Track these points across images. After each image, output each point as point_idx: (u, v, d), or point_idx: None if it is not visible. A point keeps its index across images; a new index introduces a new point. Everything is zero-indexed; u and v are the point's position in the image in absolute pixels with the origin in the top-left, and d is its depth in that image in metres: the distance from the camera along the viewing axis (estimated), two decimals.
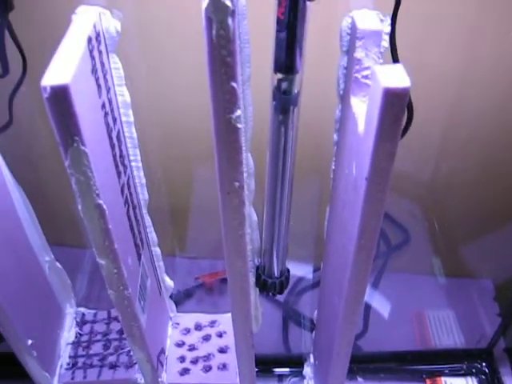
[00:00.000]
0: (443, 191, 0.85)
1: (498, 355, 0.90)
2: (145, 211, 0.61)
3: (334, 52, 0.44)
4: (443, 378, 0.88)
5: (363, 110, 0.38)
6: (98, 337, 0.73)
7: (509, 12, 0.63)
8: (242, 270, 0.48)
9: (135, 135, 0.54)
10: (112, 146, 0.47)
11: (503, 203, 0.83)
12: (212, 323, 0.75)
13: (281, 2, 0.37)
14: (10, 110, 0.58)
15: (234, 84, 0.34)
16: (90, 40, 0.40)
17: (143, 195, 0.59)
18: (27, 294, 0.61)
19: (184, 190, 0.86)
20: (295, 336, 0.91)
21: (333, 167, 0.51)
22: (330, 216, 0.55)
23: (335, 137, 0.49)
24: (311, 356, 0.76)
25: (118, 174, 0.49)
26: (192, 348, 0.72)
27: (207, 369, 0.70)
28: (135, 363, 0.68)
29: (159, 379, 0.66)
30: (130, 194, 0.54)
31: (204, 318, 0.75)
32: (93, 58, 0.41)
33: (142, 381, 0.67)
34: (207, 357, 0.71)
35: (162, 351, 0.69)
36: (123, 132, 0.52)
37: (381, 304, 0.91)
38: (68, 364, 0.70)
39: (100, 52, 0.43)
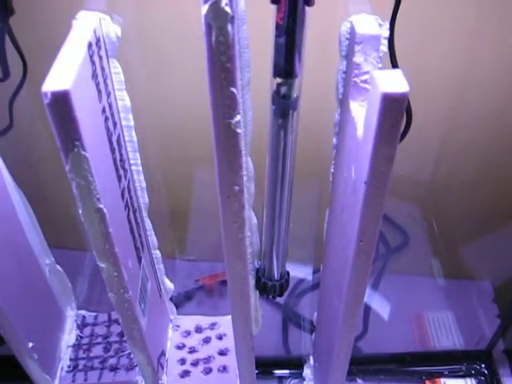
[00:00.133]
0: (442, 193, 0.85)
1: (497, 357, 0.90)
2: (145, 214, 0.61)
3: (332, 56, 0.44)
4: (442, 380, 0.88)
5: (362, 115, 0.39)
6: (99, 339, 0.73)
7: (508, 15, 0.63)
8: (242, 273, 0.48)
9: (135, 139, 0.54)
10: (112, 150, 0.47)
11: (502, 205, 0.83)
12: (212, 325, 0.75)
13: (280, 7, 0.37)
14: (10, 114, 0.59)
15: (234, 89, 0.34)
16: (90, 45, 0.40)
17: (143, 199, 0.59)
18: (28, 297, 0.61)
19: (184, 193, 0.86)
20: (295, 338, 0.91)
21: (332, 170, 0.52)
22: (330, 219, 0.55)
23: (334, 140, 0.49)
24: (311, 358, 0.76)
25: (119, 177, 0.49)
26: (192, 350, 0.72)
27: (207, 371, 0.70)
28: (136, 365, 0.68)
29: (160, 381, 0.66)
30: (131, 197, 0.54)
31: (204, 321, 0.76)
32: (93, 63, 0.41)
33: (143, 383, 0.67)
34: (207, 359, 0.71)
35: (163, 353, 0.70)
36: (123, 136, 0.52)
37: (380, 306, 0.91)
38: (69, 366, 0.70)
39: (100, 57, 0.43)
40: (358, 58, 0.40)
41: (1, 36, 0.53)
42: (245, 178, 0.41)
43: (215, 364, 0.71)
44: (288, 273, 0.58)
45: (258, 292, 0.58)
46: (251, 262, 0.54)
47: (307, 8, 0.37)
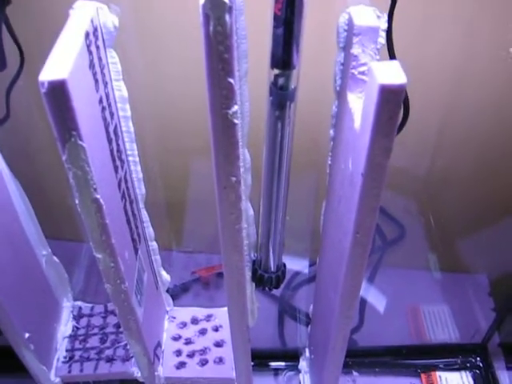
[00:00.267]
0: (439, 187, 0.85)
1: (492, 350, 0.90)
2: (142, 206, 0.61)
3: (330, 48, 0.44)
4: (438, 373, 0.89)
5: (359, 106, 0.39)
6: (95, 330, 0.73)
7: (506, 9, 0.63)
8: (239, 265, 0.48)
9: (132, 130, 0.54)
10: (109, 141, 0.47)
11: (498, 199, 0.83)
12: (208, 317, 0.75)
13: None
14: (7, 104, 0.58)
15: (231, 80, 0.34)
16: (87, 35, 0.40)
17: (140, 190, 0.59)
18: (24, 288, 0.61)
19: (181, 185, 0.86)
20: (291, 330, 0.92)
21: (329, 162, 0.52)
22: (326, 211, 0.55)
23: (332, 132, 0.49)
24: (307, 350, 0.77)
25: (115, 168, 0.49)
26: (188, 342, 0.72)
27: (203, 362, 0.70)
28: (132, 357, 0.68)
29: (156, 373, 0.67)
30: (127, 188, 0.54)
31: (200, 312, 0.76)
32: (90, 52, 0.41)
33: (139, 374, 0.67)
34: (203, 350, 0.71)
35: (159, 345, 0.70)
36: (120, 126, 0.52)
37: (376, 298, 0.91)
38: (65, 357, 0.70)
39: (97, 47, 0.43)
40: (355, 50, 0.40)
41: None
42: (242, 170, 0.41)
43: (211, 355, 0.71)
44: (284, 265, 0.58)
45: (254, 284, 0.58)
46: (247, 253, 0.54)
47: None
